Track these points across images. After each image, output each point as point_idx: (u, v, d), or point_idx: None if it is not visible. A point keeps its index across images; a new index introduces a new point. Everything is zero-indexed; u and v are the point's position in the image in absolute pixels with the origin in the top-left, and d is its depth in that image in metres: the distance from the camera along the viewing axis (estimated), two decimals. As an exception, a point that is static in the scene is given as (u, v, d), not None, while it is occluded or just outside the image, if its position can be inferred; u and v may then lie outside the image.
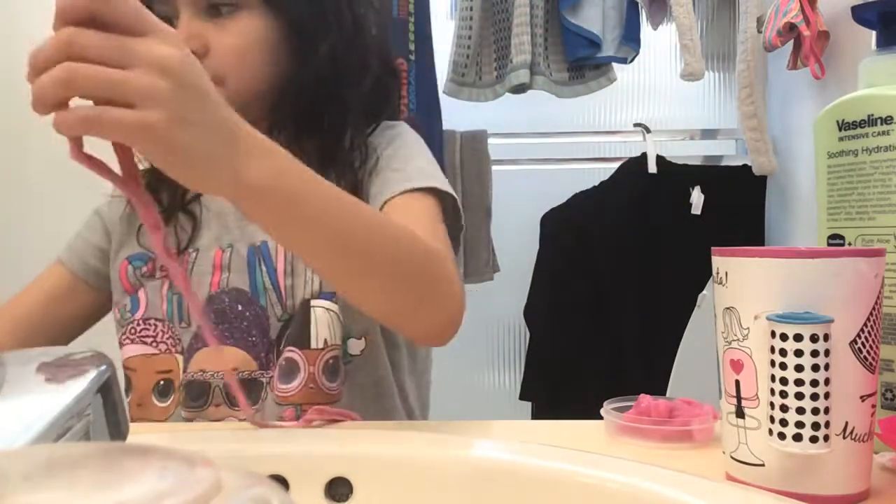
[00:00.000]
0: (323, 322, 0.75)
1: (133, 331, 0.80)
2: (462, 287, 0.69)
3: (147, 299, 0.81)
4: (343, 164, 0.77)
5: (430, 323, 0.67)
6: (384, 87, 0.82)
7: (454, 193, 0.77)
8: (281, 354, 0.76)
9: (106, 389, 0.30)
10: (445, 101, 1.79)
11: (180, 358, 0.78)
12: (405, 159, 0.78)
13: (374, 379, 0.79)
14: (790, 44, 1.54)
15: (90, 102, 0.44)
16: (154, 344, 0.79)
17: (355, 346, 0.78)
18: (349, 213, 0.58)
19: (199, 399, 0.77)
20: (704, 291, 1.64)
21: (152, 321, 0.80)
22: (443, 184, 0.76)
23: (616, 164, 1.84)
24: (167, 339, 0.79)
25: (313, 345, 0.75)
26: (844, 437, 0.45)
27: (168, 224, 0.81)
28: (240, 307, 0.77)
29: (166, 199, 0.81)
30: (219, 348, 0.74)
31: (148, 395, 0.79)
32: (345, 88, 0.78)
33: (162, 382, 0.78)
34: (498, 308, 1.94)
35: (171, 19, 0.72)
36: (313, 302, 0.75)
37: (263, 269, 0.77)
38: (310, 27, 0.76)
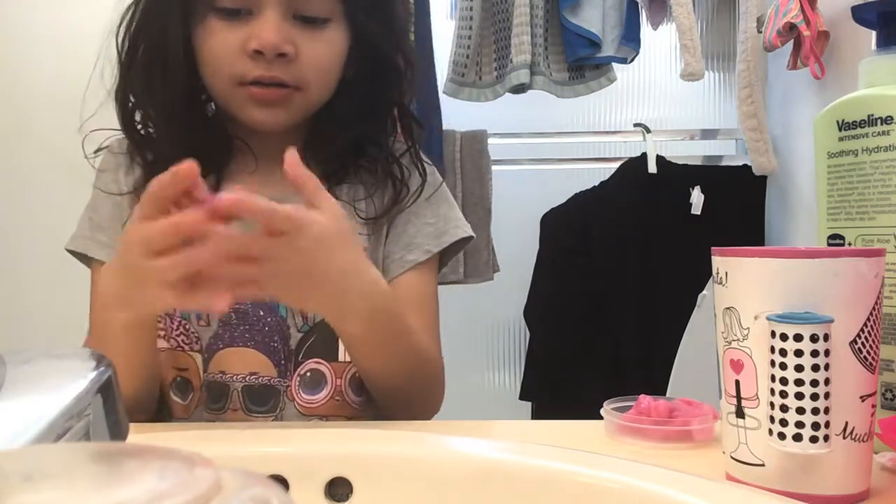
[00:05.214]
0: None
1: None
2: (443, 383, 0.80)
3: None
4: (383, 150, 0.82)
5: (418, 415, 0.76)
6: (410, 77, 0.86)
7: (472, 234, 0.85)
8: (300, 365, 0.76)
9: (106, 389, 0.30)
10: (445, 101, 1.78)
11: (198, 356, 0.77)
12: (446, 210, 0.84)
13: None
14: (790, 44, 1.54)
15: None
16: (167, 339, 0.77)
17: None
18: (406, 346, 0.70)
19: (218, 401, 0.76)
20: (704, 291, 1.64)
21: (164, 315, 0.77)
22: (462, 229, 0.83)
23: (616, 164, 1.84)
24: (179, 335, 0.77)
25: (340, 358, 0.77)
26: (844, 437, 0.45)
27: None
28: (261, 312, 0.77)
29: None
30: (240, 350, 0.76)
31: (167, 389, 0.77)
32: (389, 87, 0.81)
33: (179, 379, 0.77)
34: (498, 308, 1.94)
35: (239, 11, 0.72)
36: None
37: None
38: (374, 37, 0.78)
